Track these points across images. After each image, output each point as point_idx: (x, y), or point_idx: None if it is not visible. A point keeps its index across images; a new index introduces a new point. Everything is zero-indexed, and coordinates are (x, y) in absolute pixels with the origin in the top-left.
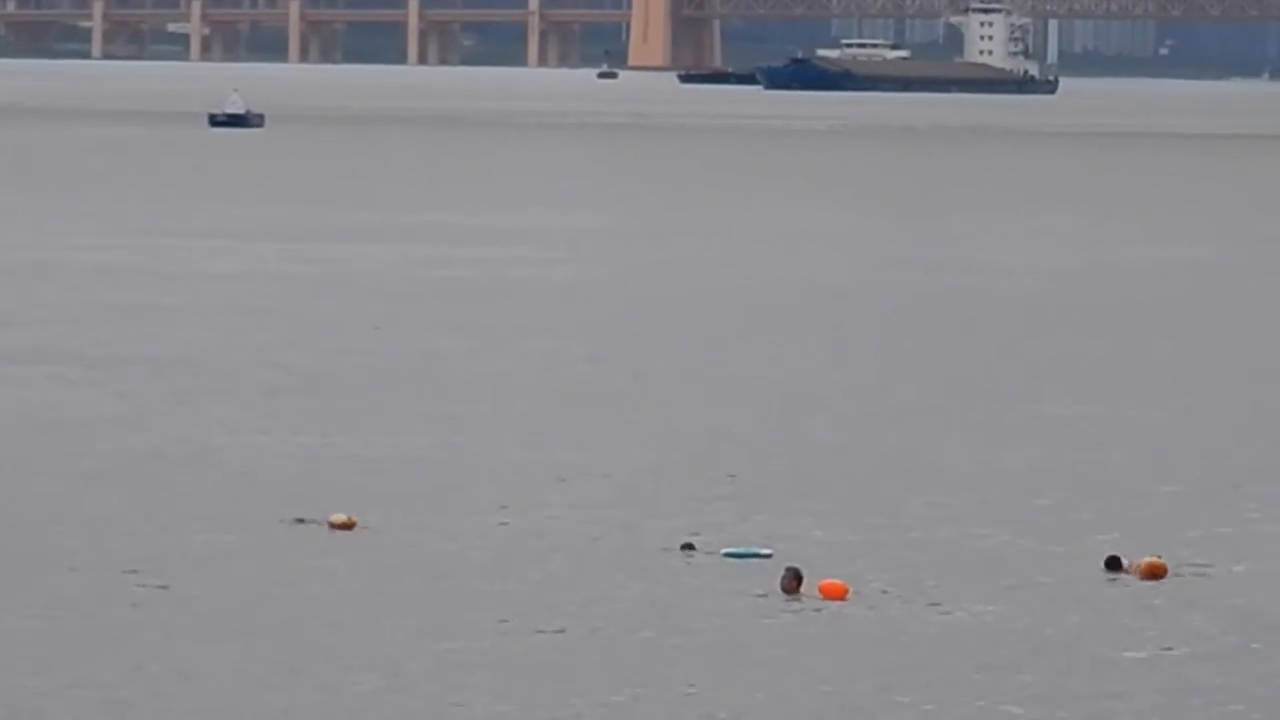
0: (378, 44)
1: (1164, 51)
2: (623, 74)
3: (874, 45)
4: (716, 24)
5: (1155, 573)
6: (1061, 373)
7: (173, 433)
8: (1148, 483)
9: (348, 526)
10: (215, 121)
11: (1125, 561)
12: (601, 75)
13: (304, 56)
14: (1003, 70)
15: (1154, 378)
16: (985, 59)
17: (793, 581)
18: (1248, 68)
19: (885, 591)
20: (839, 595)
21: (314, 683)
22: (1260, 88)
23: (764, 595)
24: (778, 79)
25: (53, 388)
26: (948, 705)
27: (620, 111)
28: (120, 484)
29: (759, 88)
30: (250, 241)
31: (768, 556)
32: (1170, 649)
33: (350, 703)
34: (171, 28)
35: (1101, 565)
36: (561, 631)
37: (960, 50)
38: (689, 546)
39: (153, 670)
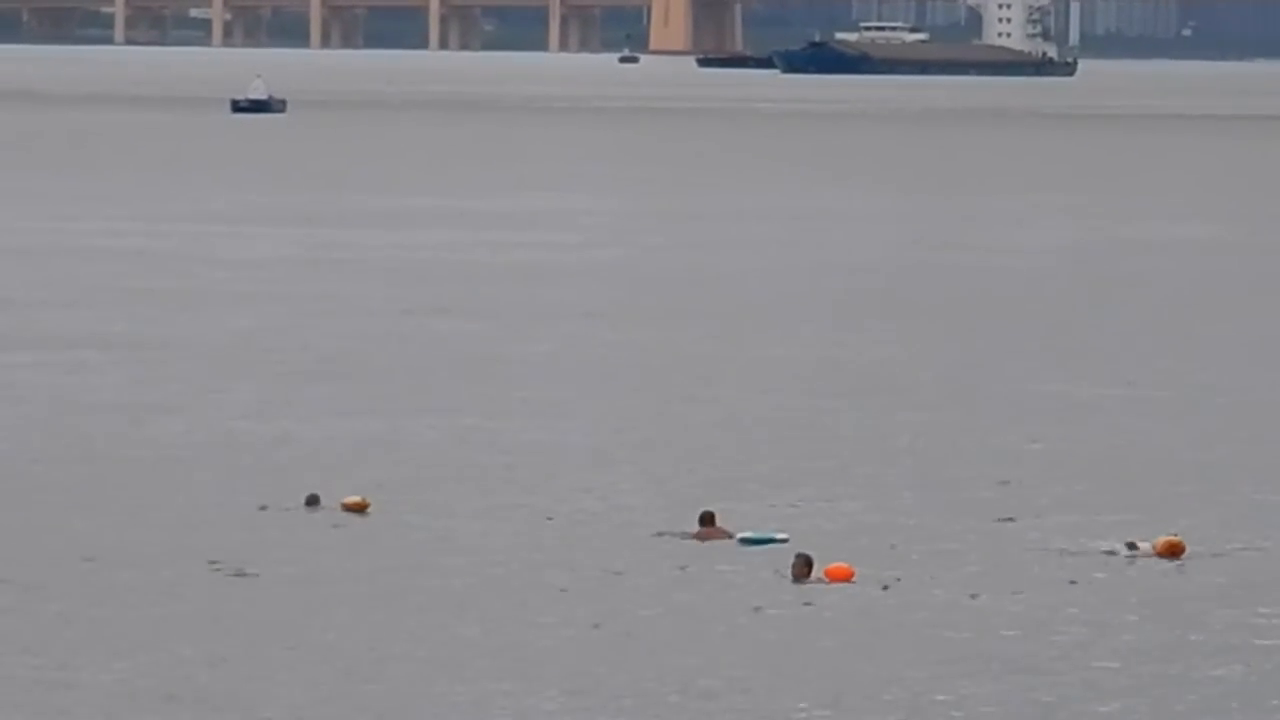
0: (399, 29)
1: (1186, 33)
2: (644, 58)
3: (892, 28)
4: (738, 7)
5: (1173, 551)
6: (1080, 354)
7: (191, 417)
8: (1165, 463)
9: (360, 509)
10: (237, 107)
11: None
12: (623, 60)
13: (326, 42)
14: (1021, 52)
15: (1172, 359)
16: (1004, 41)
17: (803, 568)
18: (1271, 48)
19: (897, 577)
20: (845, 578)
21: (325, 671)
22: None
23: (773, 581)
24: (794, 62)
25: (70, 372)
26: (940, 690)
27: (638, 96)
28: (135, 469)
29: (776, 72)
30: (272, 226)
31: (784, 541)
32: (1177, 630)
33: (365, 689)
34: (194, 13)
35: (1123, 549)
36: (576, 617)
37: (981, 33)
38: (708, 519)
39: (167, 658)
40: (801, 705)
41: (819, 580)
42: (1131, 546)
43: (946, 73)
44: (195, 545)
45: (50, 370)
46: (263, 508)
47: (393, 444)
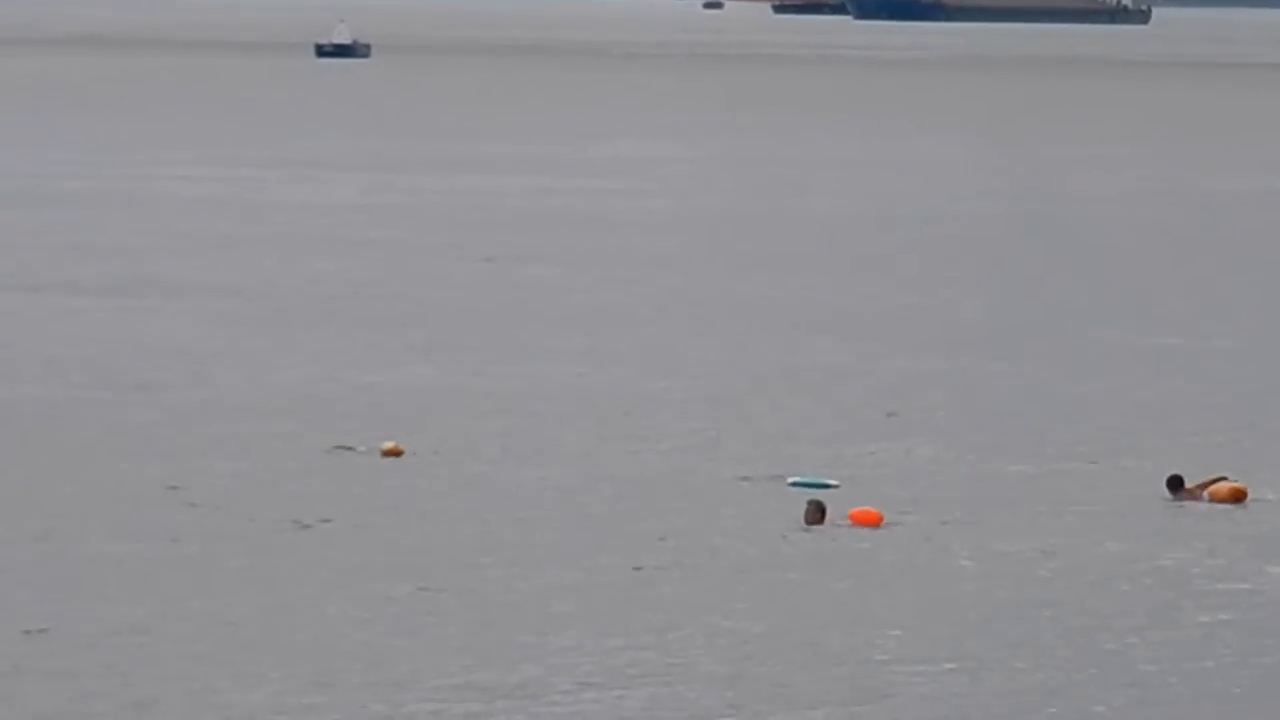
0: None
1: None
2: (729, 4)
3: None
4: None
5: (1236, 497)
6: (1146, 303)
7: (260, 362)
8: (1218, 415)
9: (395, 454)
10: (321, 52)
11: (1189, 484)
12: (707, 5)
13: None
14: (1095, 0)
15: (1237, 310)
16: None
17: (816, 514)
18: None
19: (931, 520)
20: (873, 523)
21: (381, 623)
22: None
23: (805, 529)
24: (867, 9)
25: (144, 318)
26: (949, 633)
27: (715, 42)
28: (197, 415)
29: (849, 17)
30: (355, 173)
31: (835, 487)
32: (1238, 582)
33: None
34: None
35: (1165, 488)
36: (620, 562)
37: None
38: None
39: (202, 602)
40: (854, 648)
41: (837, 525)
42: (1176, 486)
43: (1019, 20)
44: (256, 490)
45: (124, 316)
46: (344, 447)
47: (448, 391)
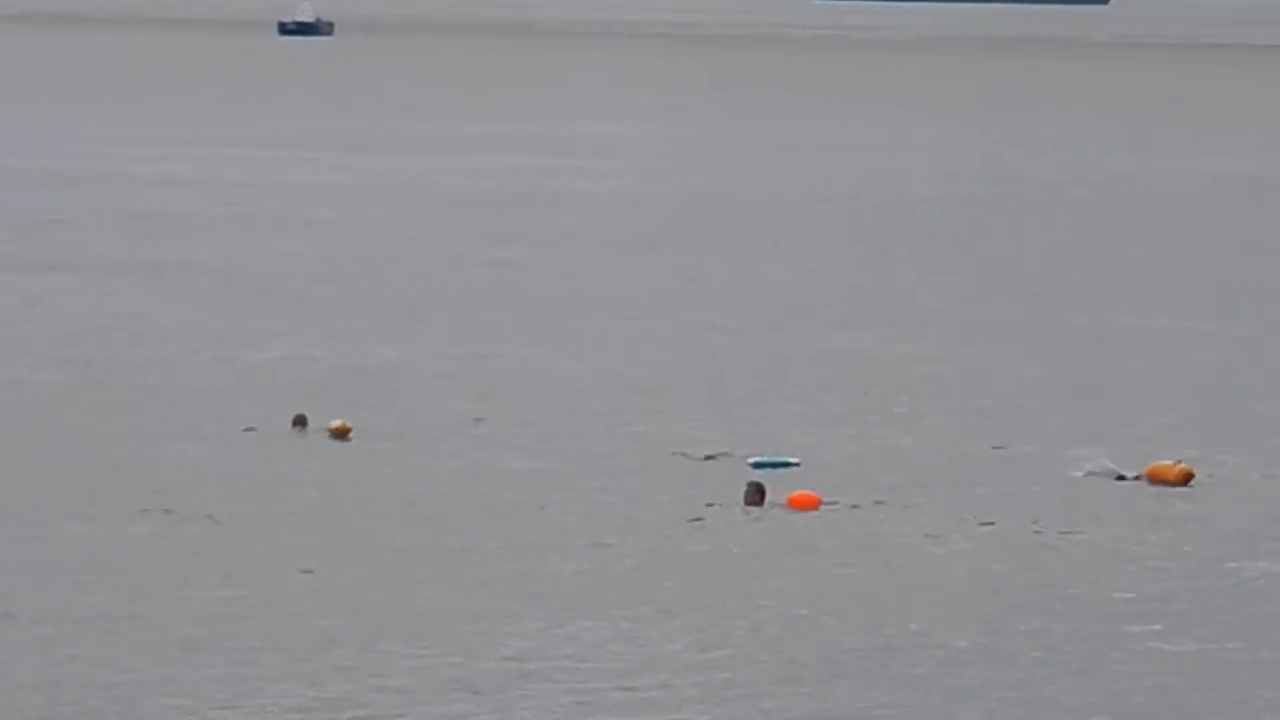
0: None
1: None
2: None
3: None
4: None
5: (1182, 479)
6: (1122, 286)
7: (226, 341)
8: (1192, 396)
9: (343, 433)
10: (284, 30)
11: (1128, 475)
12: None
13: None
14: None
15: (1216, 292)
16: None
17: (755, 496)
18: None
19: (862, 503)
20: (810, 506)
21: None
22: None
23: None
24: None
25: (111, 297)
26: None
27: (689, 23)
28: (153, 392)
29: None
30: (320, 153)
31: (796, 465)
32: (1178, 557)
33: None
34: None
35: (1114, 478)
36: (556, 542)
37: None
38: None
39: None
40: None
41: (777, 507)
42: (1120, 476)
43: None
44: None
45: (88, 296)
46: (299, 421)
47: (414, 372)
